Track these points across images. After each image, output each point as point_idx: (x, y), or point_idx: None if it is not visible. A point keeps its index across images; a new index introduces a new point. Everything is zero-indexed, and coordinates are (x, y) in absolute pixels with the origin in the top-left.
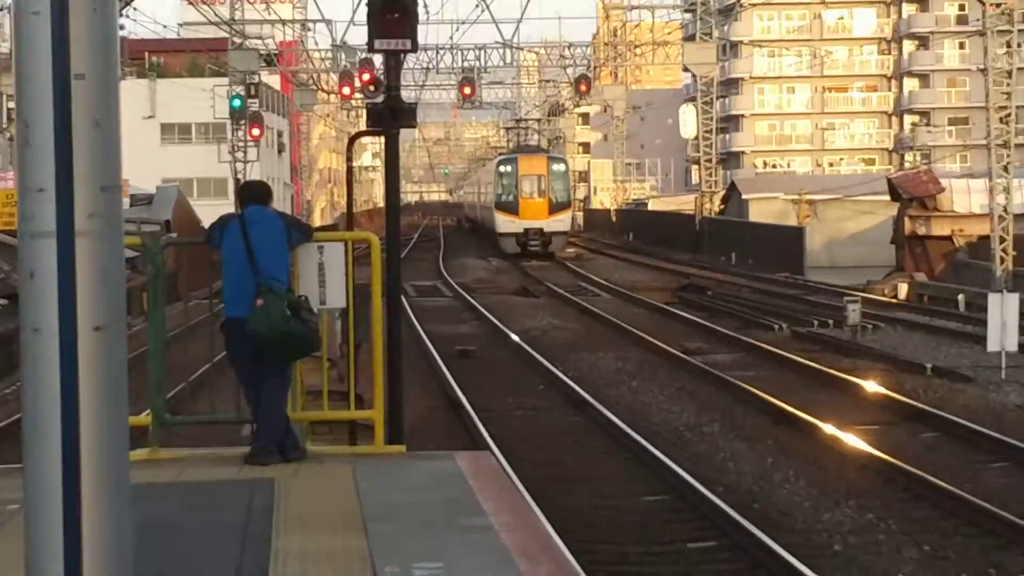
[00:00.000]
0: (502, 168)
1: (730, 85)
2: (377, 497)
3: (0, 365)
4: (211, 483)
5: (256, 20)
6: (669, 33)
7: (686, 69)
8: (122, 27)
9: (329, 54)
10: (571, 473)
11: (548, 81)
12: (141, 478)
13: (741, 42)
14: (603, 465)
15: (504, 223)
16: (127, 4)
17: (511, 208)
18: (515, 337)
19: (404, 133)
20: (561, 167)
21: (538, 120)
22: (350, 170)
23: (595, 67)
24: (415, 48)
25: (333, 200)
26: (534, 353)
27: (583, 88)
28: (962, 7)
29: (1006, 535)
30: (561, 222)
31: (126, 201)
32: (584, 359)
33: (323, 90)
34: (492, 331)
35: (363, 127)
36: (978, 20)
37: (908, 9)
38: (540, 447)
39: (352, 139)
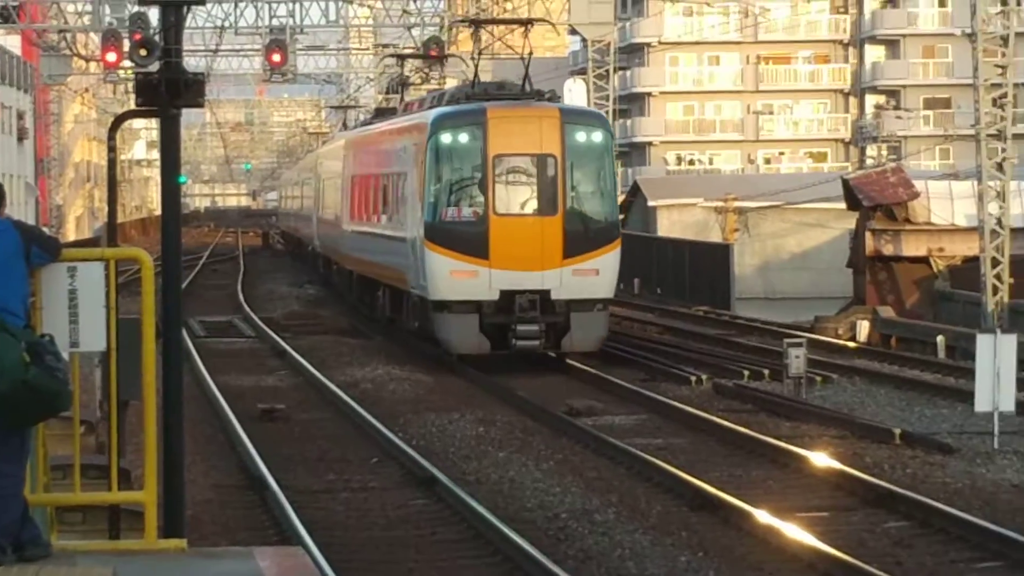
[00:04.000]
0: (445, 137)
1: (633, 53)
2: None
3: None
4: None
5: None
6: None
7: (573, 31)
8: None
9: (89, 7)
10: None
11: (387, 46)
12: None
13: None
14: (458, 566)
15: (450, 279)
16: None
17: (468, 243)
18: (340, 392)
19: (190, 116)
20: (597, 137)
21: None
22: (113, 164)
23: (451, 27)
24: None
25: (93, 205)
26: (365, 414)
27: (434, 55)
28: None
29: None
30: (596, 278)
31: None
32: (433, 422)
33: (81, 56)
34: (309, 384)
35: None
36: None
37: None
38: (372, 541)
39: (116, 122)
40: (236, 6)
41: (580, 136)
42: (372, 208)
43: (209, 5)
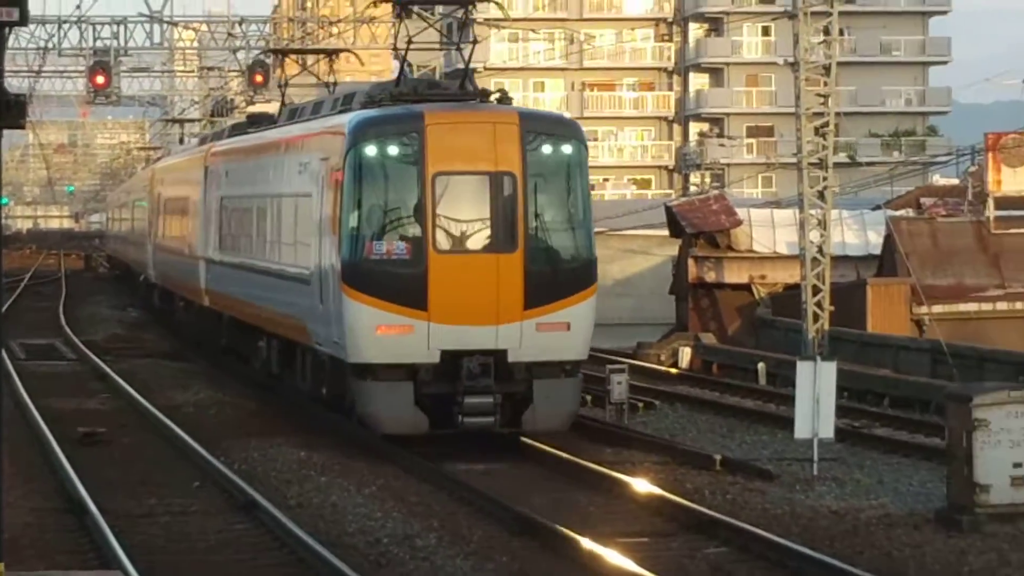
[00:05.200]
0: (369, 150)
1: (458, 78)
2: None
3: None
4: None
5: None
6: (376, 7)
7: (398, 56)
8: None
9: None
10: None
11: (212, 69)
12: None
13: (473, 20)
14: None
15: (376, 336)
16: None
17: (400, 289)
18: (161, 416)
19: (13, 137)
20: (567, 150)
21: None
22: None
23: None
24: (25, 20)
25: None
26: (187, 438)
27: (258, 79)
28: None
29: None
30: (566, 334)
31: None
32: (256, 447)
33: None
34: (130, 407)
35: None
36: None
37: None
38: (193, 566)
39: None
40: (60, 27)
41: (546, 148)
42: (254, 237)
43: (32, 26)
